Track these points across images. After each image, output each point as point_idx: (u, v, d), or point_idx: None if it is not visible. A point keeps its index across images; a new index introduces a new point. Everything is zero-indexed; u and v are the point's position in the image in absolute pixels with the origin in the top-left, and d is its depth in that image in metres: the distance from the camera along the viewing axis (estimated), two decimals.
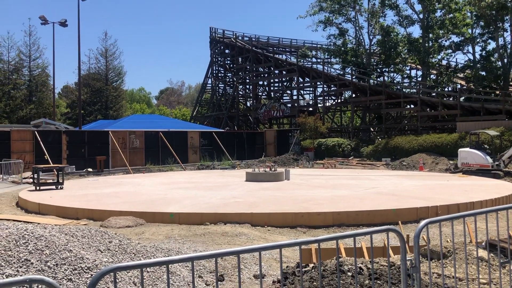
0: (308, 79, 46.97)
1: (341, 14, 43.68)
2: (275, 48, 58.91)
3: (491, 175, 19.80)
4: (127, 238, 6.36)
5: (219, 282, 5.74)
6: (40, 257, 4.58)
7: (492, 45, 38.61)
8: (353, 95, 42.79)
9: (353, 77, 41.74)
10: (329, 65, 47.24)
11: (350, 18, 44.05)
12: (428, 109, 36.81)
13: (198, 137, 33.48)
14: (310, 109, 45.83)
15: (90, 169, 26.41)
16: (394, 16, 42.31)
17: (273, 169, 19.13)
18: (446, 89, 41.98)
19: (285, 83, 54.77)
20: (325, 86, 43.73)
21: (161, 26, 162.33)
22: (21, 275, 4.22)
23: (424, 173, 23.13)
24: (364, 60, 43.37)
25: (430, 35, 39.31)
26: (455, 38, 40.42)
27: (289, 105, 47.15)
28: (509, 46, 36.53)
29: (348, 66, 44.62)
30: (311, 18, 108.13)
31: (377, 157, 31.15)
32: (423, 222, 3.66)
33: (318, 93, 47.62)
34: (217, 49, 60.21)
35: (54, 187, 16.80)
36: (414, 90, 38.29)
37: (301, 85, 48.72)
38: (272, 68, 52.11)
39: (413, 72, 47.76)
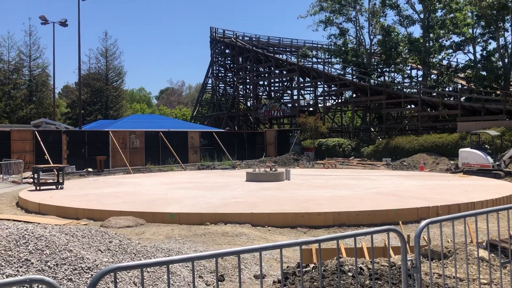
0: (308, 79, 46.97)
1: (342, 14, 43.70)
2: (275, 48, 58.90)
3: (492, 175, 19.79)
4: (127, 238, 6.36)
5: (219, 282, 5.73)
6: (40, 257, 4.58)
7: (493, 45, 38.67)
8: (354, 95, 42.78)
9: (354, 77, 41.73)
10: (330, 65, 47.25)
11: (350, 18, 44.07)
12: (428, 109, 36.79)
13: (199, 137, 33.48)
14: (311, 109, 45.81)
15: (90, 169, 26.41)
16: (395, 16, 42.42)
17: (273, 169, 19.12)
18: (446, 89, 41.98)
19: (285, 83, 54.76)
20: (325, 86, 43.73)
21: (161, 26, 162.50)
22: (21, 275, 4.21)
23: (424, 173, 23.12)
24: (365, 60, 43.36)
25: (431, 35, 39.31)
26: (455, 38, 40.51)
27: (290, 105, 47.16)
28: (510, 46, 36.54)
29: (349, 66, 44.63)
30: (312, 18, 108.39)
31: (378, 157, 31.13)
32: (423, 222, 3.65)
33: (319, 93, 47.67)
34: (218, 49, 60.23)
35: (54, 187, 16.80)
36: (415, 90, 38.28)
37: (302, 85, 48.72)
38: (272, 68, 52.10)
39: (414, 72, 47.78)
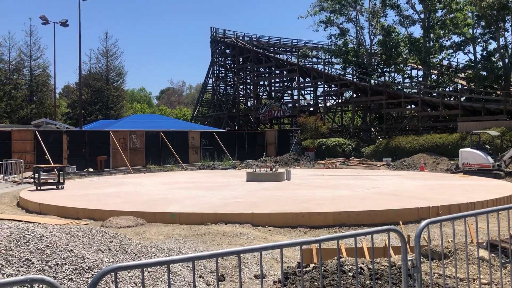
0: (309, 79, 46.98)
1: (342, 14, 43.70)
2: (276, 48, 58.91)
3: (492, 175, 19.78)
4: (128, 238, 6.36)
5: (219, 282, 5.74)
6: (41, 257, 4.58)
7: (493, 45, 38.67)
8: (354, 95, 42.77)
9: (354, 77, 41.73)
10: (330, 65, 47.26)
11: (351, 18, 44.07)
12: (429, 109, 36.79)
13: (199, 137, 33.50)
14: (311, 109, 45.83)
15: (91, 169, 26.43)
16: (395, 16, 42.44)
17: (274, 169, 19.12)
18: (447, 89, 41.96)
19: (286, 83, 54.77)
20: (326, 86, 43.73)
21: (161, 26, 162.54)
22: (22, 275, 4.22)
23: (425, 173, 23.11)
24: (365, 60, 43.36)
25: (431, 35, 39.30)
26: (456, 38, 40.49)
27: (290, 105, 47.16)
28: (510, 46, 36.52)
29: (349, 66, 44.63)
30: (312, 18, 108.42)
31: (378, 157, 31.13)
32: (424, 222, 3.65)
33: (319, 93, 47.66)
34: (218, 49, 60.24)
35: (55, 187, 16.82)
36: (415, 90, 38.28)
37: (302, 85, 48.73)
38: (273, 68, 52.11)
39: (414, 72, 47.77)
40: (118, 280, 4.56)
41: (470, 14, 38.95)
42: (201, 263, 6.21)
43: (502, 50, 35.97)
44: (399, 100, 36.16)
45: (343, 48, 44.20)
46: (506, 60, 35.87)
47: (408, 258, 3.46)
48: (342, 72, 45.04)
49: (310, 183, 17.36)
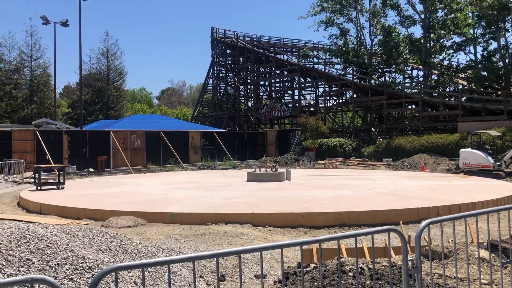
0: (309, 79, 46.98)
1: (343, 14, 43.71)
2: (276, 48, 58.92)
3: (493, 176, 19.77)
4: (128, 238, 6.37)
5: (220, 282, 5.74)
6: (42, 257, 4.59)
7: (493, 45, 38.66)
8: (355, 95, 42.77)
9: (355, 77, 41.73)
10: (331, 65, 47.28)
11: (351, 18, 44.07)
12: (429, 110, 36.79)
13: (199, 137, 33.50)
14: (311, 109, 45.85)
15: (91, 169, 26.44)
16: (396, 16, 42.40)
17: (274, 169, 19.12)
18: (447, 89, 41.97)
19: (286, 83, 54.78)
20: (326, 86, 43.73)
21: (162, 26, 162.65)
22: (22, 275, 4.22)
23: (425, 174, 23.10)
24: (366, 60, 43.35)
25: (432, 35, 39.29)
26: (456, 38, 40.50)
27: (290, 105, 47.17)
28: (510, 46, 36.51)
29: (350, 66, 44.64)
30: (313, 18, 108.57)
31: (378, 157, 31.13)
32: (424, 223, 3.65)
33: (319, 93, 47.64)
34: (218, 49, 60.25)
35: (55, 187, 16.83)
36: (416, 90, 38.27)
37: (302, 85, 48.73)
38: (273, 68, 52.12)
39: (415, 72, 47.78)
40: (118, 280, 4.56)
41: (470, 14, 38.95)
42: (202, 263, 6.21)
43: (502, 50, 35.95)
44: (400, 100, 36.16)
45: (344, 48, 44.20)
46: (507, 60, 35.86)
47: (409, 258, 3.45)
48: (343, 72, 45.05)
49: (311, 183, 17.35)
